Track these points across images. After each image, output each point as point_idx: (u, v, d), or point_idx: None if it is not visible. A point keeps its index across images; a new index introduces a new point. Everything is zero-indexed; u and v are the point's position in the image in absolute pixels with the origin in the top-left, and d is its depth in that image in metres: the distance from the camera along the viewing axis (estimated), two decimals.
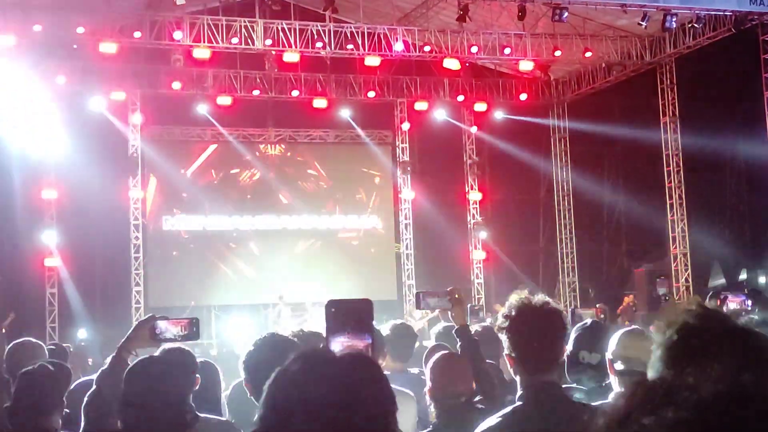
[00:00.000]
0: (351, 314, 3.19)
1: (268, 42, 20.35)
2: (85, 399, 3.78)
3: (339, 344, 2.86)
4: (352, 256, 24.45)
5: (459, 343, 4.81)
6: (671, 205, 22.43)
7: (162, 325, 3.86)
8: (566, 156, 25.74)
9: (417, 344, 6.45)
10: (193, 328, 3.88)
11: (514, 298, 3.46)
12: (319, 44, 20.52)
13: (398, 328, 6.13)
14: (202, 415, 3.66)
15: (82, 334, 19.75)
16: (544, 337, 3.24)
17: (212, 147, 23.91)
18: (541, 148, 25.77)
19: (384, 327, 6.14)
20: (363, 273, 24.10)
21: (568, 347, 4.24)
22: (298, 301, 21.36)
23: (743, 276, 23.77)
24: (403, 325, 6.33)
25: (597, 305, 15.30)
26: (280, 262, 23.87)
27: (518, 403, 3.23)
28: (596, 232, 26.31)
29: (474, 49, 21.42)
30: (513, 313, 3.35)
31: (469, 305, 20.43)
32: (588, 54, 22.05)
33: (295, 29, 20.43)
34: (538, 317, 3.27)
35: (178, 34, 19.80)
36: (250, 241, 23.83)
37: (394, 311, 23.61)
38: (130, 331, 3.94)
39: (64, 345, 9.25)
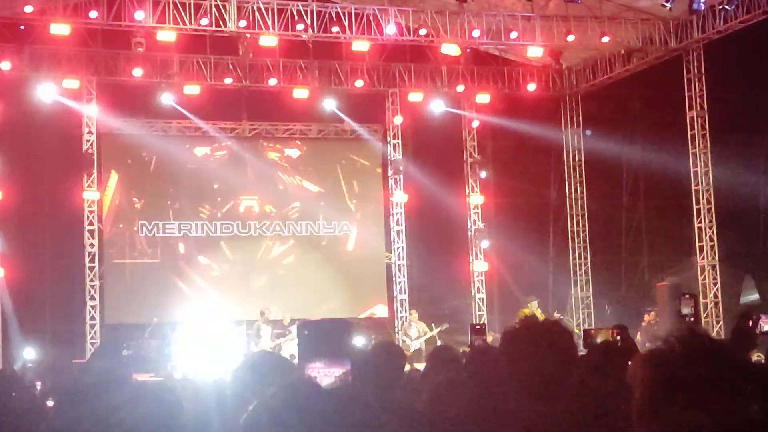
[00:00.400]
0: (327, 337, 3.01)
1: (242, 24, 20.44)
2: None
3: (315, 371, 2.75)
4: (338, 267, 24.49)
5: None
6: (698, 210, 22.54)
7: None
8: (580, 155, 25.87)
9: (407, 367, 6.11)
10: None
11: (521, 314, 3.39)
12: (300, 26, 20.70)
13: (380, 349, 5.39)
14: None
15: (29, 354, 19.61)
16: (546, 361, 3.14)
17: (180, 141, 23.97)
18: (552, 145, 25.93)
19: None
20: (349, 286, 24.36)
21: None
22: (275, 318, 21.33)
23: None
24: (385, 345, 5.90)
25: (614, 326, 15.41)
26: (257, 273, 24.09)
27: None
28: (614, 240, 26.47)
29: (476, 33, 21.55)
30: (513, 331, 3.31)
31: (469, 323, 20.16)
32: (605, 39, 22.25)
33: (272, 9, 20.47)
34: (542, 337, 3.18)
35: (139, 15, 19.81)
36: (223, 249, 23.95)
37: (384, 331, 23.98)
38: None
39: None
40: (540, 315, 18.76)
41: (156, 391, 2.52)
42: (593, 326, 23.33)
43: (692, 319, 18.75)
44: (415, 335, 21.18)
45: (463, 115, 25.47)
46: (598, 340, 14.76)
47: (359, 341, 22.08)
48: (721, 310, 21.96)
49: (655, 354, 2.14)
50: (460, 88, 24.46)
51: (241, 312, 22.58)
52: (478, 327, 19.13)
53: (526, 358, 3.15)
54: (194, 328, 21.62)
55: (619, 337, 14.74)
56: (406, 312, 23.68)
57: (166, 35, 20.07)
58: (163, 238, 23.36)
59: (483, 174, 25.30)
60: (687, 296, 19.43)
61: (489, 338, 23.07)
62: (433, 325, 21.25)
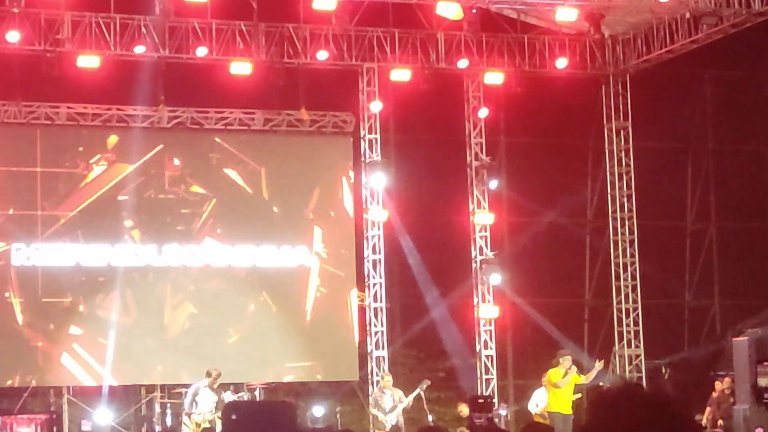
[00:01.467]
0: (262, 425, 4.16)
1: None
2: None
3: None
4: (288, 310, 24.41)
5: None
6: None
7: None
8: (627, 157, 25.74)
9: None
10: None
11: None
12: None
13: None
14: None
15: None
16: None
17: (71, 133, 23.75)
18: (589, 145, 26.17)
19: None
20: (305, 338, 24.27)
21: None
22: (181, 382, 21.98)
23: None
24: None
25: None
26: (174, 319, 23.91)
27: None
28: (673, 277, 26.72)
29: None
30: (605, 404, 3.08)
31: (470, 395, 19.58)
32: None
33: None
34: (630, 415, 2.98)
35: None
36: (129, 284, 23.90)
37: (354, 399, 24.08)
38: None
39: None
40: (577, 378, 18.92)
41: None
42: None
43: None
44: (390, 406, 20.98)
45: (467, 102, 25.35)
46: None
47: (318, 413, 21.66)
48: None
49: None
50: (463, 63, 24.45)
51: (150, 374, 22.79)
52: (481, 400, 19.20)
53: None
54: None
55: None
56: (383, 372, 23.35)
57: None
58: (61, 271, 23.41)
59: (493, 184, 25.25)
60: None
61: (502, 412, 22.94)
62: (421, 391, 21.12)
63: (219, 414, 19.86)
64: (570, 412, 19.07)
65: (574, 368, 19.33)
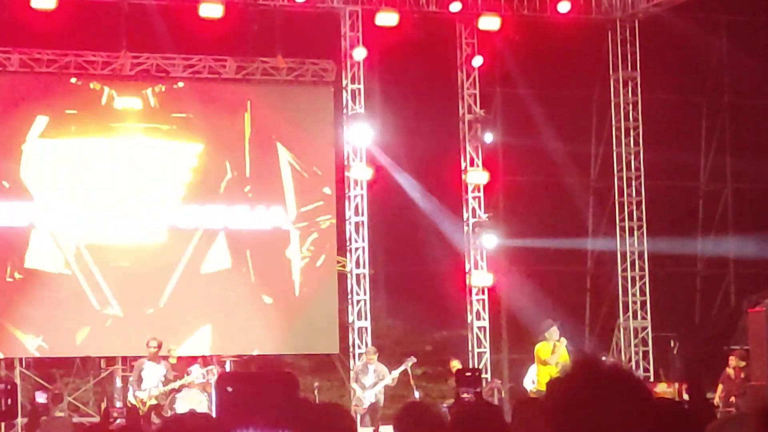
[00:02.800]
0: (260, 398, 4.12)
1: None
2: None
3: None
4: (265, 276, 23.91)
5: None
6: None
7: None
8: (635, 111, 25.50)
9: None
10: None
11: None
12: None
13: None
14: None
15: None
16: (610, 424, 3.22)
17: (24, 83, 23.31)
18: (593, 97, 26.21)
19: None
20: (282, 308, 23.87)
21: None
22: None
23: None
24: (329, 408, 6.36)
25: (681, 378, 14.08)
26: (143, 284, 23.40)
27: None
28: (684, 242, 26.39)
29: None
30: (563, 382, 3.32)
31: (456, 368, 19.08)
32: None
33: None
34: (606, 388, 3.22)
35: None
36: (93, 247, 23.45)
37: (334, 373, 24.29)
38: None
39: None
40: (565, 355, 18.78)
41: None
42: (651, 375, 23.65)
43: None
44: (371, 382, 20.70)
45: (460, 49, 25.06)
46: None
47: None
48: None
49: None
50: (456, 6, 24.23)
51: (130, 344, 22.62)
52: (468, 374, 18.66)
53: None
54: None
55: (687, 396, 15.54)
56: (365, 346, 23.24)
57: None
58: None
59: (488, 138, 25.03)
60: None
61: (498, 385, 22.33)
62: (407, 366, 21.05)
63: (167, 388, 19.96)
64: None
65: (564, 340, 19.05)
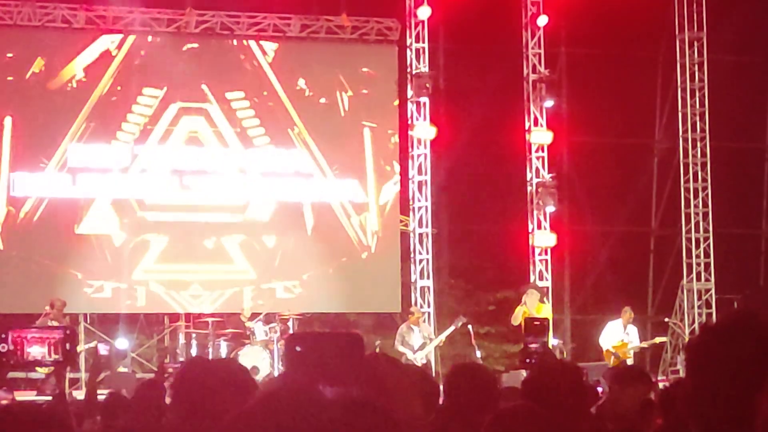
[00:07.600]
0: (327, 357, 3.89)
1: None
2: None
3: None
4: (328, 238, 23.93)
5: None
6: None
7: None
8: (701, 72, 25.43)
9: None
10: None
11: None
12: None
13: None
14: None
15: None
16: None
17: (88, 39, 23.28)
18: (658, 58, 26.05)
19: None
20: (345, 267, 23.87)
21: None
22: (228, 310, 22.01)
23: None
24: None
25: None
26: (205, 247, 23.52)
27: None
28: (749, 204, 26.77)
29: None
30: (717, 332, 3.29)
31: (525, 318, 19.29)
32: None
33: None
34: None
35: None
36: (158, 209, 23.63)
37: (395, 331, 23.67)
38: None
39: None
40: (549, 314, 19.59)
41: None
42: None
43: None
44: (419, 344, 20.60)
45: (525, 9, 25.15)
46: None
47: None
48: None
49: None
50: None
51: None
52: (537, 323, 18.26)
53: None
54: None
55: None
56: (427, 306, 23.56)
57: None
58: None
59: (550, 101, 25.09)
60: None
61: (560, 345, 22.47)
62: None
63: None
64: None
65: (546, 306, 19.94)
